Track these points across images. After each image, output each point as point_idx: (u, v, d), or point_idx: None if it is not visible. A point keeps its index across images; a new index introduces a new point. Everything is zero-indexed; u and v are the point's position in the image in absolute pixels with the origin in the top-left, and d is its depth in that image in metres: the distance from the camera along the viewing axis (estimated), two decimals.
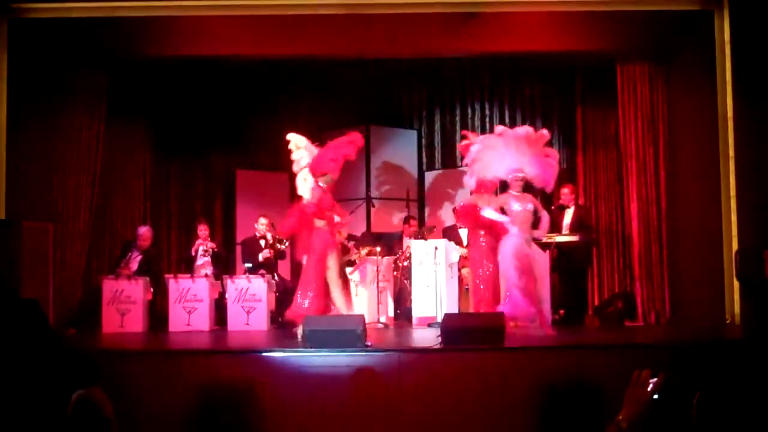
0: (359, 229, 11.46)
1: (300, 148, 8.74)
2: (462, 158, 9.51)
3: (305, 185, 8.63)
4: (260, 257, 10.28)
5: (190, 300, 9.50)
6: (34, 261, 8.73)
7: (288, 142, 8.80)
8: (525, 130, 8.67)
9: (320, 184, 8.35)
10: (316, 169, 8.37)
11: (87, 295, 9.97)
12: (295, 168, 8.79)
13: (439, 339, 7.19)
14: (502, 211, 8.44)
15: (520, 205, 8.38)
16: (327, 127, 12.69)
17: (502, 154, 8.46)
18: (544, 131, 8.74)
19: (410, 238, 10.66)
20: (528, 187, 8.70)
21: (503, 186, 9.16)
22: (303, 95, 12.47)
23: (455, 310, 9.44)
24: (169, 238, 12.18)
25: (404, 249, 10.66)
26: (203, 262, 10.33)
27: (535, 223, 8.63)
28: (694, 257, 9.48)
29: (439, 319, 8.33)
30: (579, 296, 9.89)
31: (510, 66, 11.93)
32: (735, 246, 8.90)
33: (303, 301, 8.09)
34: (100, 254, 10.82)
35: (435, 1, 9.14)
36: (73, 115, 10.01)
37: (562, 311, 9.61)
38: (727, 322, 8.85)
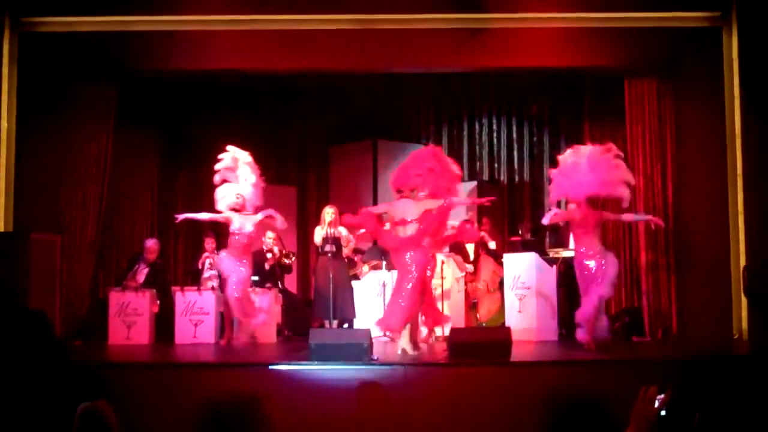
0: (367, 243, 11.43)
1: (241, 164, 8.73)
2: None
3: (225, 201, 8.74)
4: (266, 266, 10.28)
5: (196, 312, 9.49)
6: (41, 272, 8.75)
7: (225, 151, 8.82)
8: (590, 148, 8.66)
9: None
10: (405, 185, 8.30)
11: (94, 306, 9.94)
12: (218, 178, 8.84)
13: (446, 353, 7.18)
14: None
15: None
16: (335, 141, 12.76)
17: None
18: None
19: None
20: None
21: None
22: (311, 109, 12.51)
23: (461, 325, 9.42)
24: (176, 250, 12.20)
25: None
26: (210, 274, 10.32)
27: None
28: (701, 272, 9.43)
29: (446, 333, 8.31)
30: None
31: (518, 81, 11.94)
32: (742, 261, 8.89)
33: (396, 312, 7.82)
34: (107, 266, 10.81)
35: (444, 17, 9.19)
36: (81, 127, 9.96)
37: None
38: (735, 337, 8.82)
